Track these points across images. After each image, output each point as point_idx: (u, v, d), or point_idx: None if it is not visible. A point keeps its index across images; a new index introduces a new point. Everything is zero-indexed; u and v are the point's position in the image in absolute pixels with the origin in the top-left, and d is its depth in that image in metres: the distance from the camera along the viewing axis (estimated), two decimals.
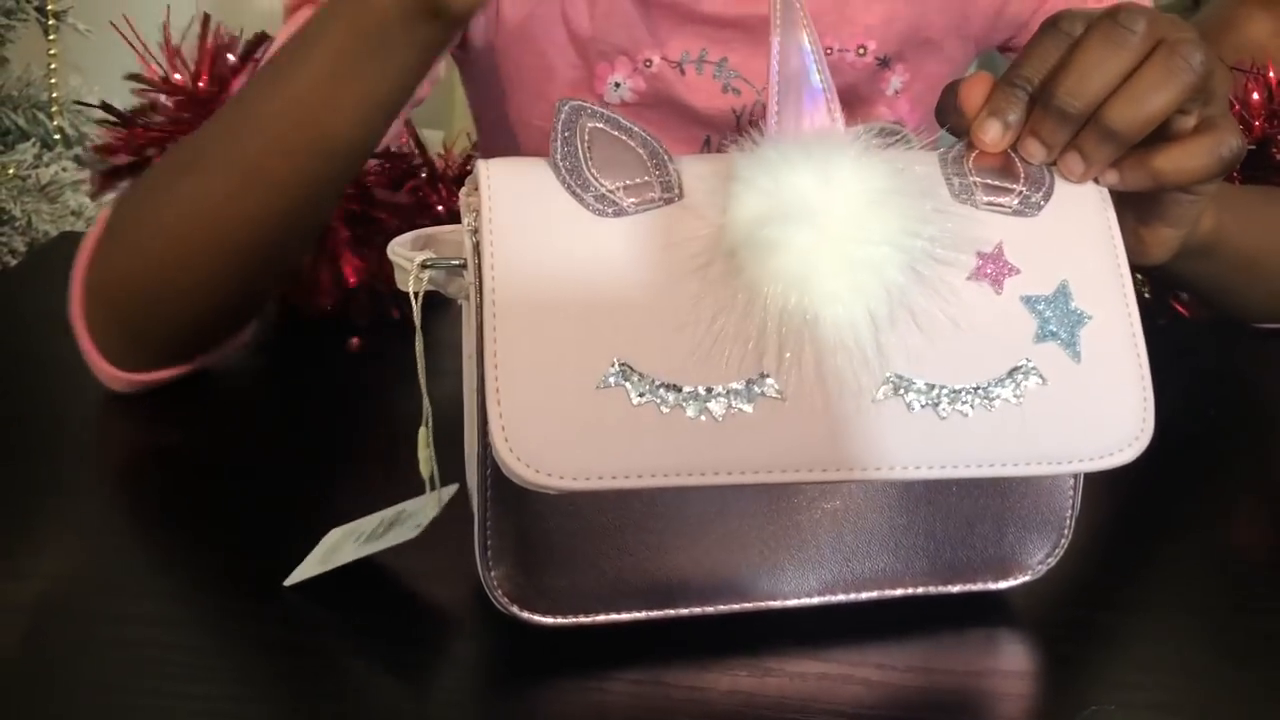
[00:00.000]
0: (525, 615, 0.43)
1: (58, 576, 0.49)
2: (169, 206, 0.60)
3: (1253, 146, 0.74)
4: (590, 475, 0.38)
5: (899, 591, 0.47)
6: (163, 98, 0.68)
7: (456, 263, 0.42)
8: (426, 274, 0.42)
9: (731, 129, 0.79)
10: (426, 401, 0.44)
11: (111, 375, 0.62)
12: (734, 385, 0.39)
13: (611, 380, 0.39)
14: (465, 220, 0.41)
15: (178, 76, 0.69)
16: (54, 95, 1.58)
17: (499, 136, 0.83)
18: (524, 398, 0.38)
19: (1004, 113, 0.43)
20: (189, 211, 0.59)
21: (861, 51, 0.79)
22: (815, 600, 0.46)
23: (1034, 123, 0.43)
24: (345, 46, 0.55)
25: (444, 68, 0.79)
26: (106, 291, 0.61)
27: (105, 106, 0.67)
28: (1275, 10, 1.26)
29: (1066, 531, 0.47)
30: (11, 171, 1.46)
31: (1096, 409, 0.42)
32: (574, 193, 0.40)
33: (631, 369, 0.39)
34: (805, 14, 0.42)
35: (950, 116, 0.45)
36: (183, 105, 0.68)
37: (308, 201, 0.60)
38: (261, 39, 0.69)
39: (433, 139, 0.87)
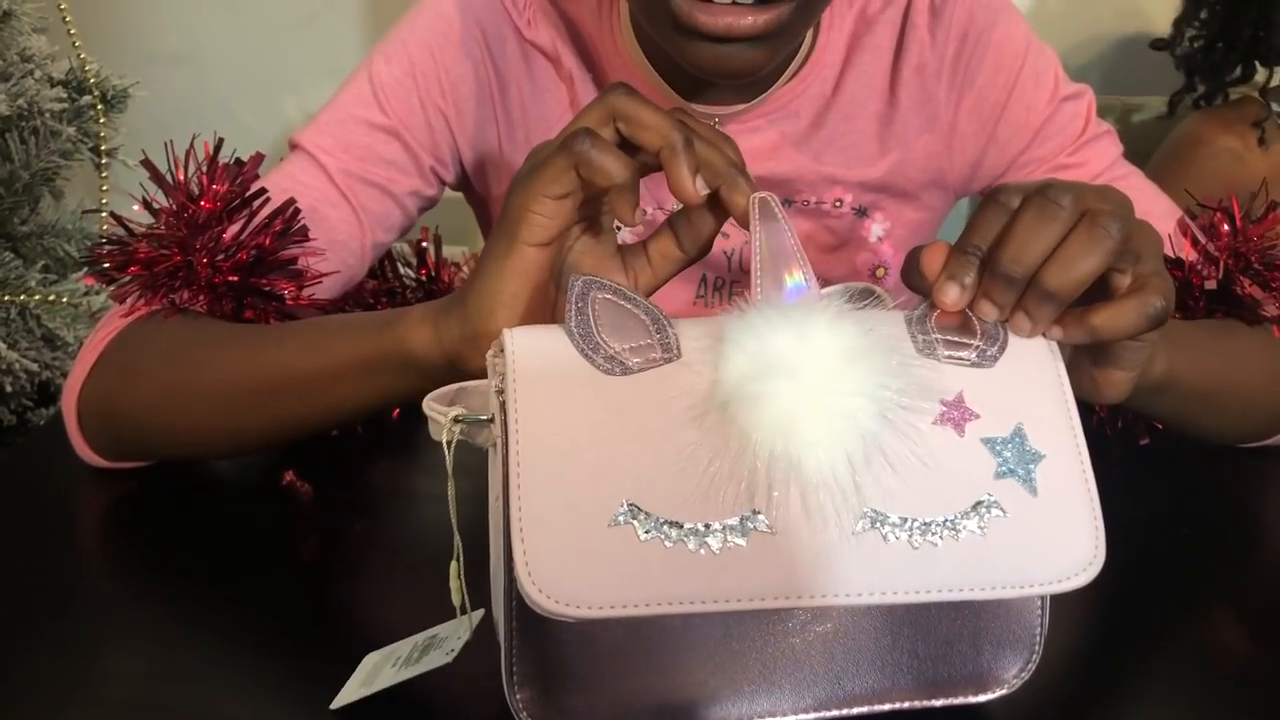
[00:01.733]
0: None
1: (108, 701, 0.53)
2: (158, 388, 0.67)
3: (1212, 286, 0.76)
4: (604, 605, 0.42)
5: (886, 706, 0.50)
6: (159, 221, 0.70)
7: (485, 418, 0.47)
8: (458, 428, 0.48)
9: (724, 268, 0.85)
10: (458, 539, 0.48)
11: (91, 459, 0.71)
12: (729, 521, 0.44)
13: (621, 519, 0.43)
14: (492, 381, 0.46)
15: (167, 203, 0.70)
16: (104, 228, 1.66)
17: None
18: (545, 538, 0.43)
19: (959, 277, 0.48)
20: (177, 402, 0.67)
21: (838, 204, 0.84)
22: (810, 716, 0.50)
23: (985, 287, 0.48)
24: (365, 360, 0.61)
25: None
26: (97, 412, 0.69)
27: (115, 216, 0.71)
28: (1236, 130, 1.33)
29: (1037, 648, 0.51)
30: (65, 300, 1.53)
31: (1053, 538, 0.46)
32: (586, 355, 0.45)
33: (639, 509, 0.43)
34: (781, 209, 0.48)
35: (914, 279, 0.50)
36: (180, 224, 0.69)
37: (287, 431, 0.67)
38: (258, 194, 0.70)
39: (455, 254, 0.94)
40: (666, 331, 0.46)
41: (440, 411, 0.48)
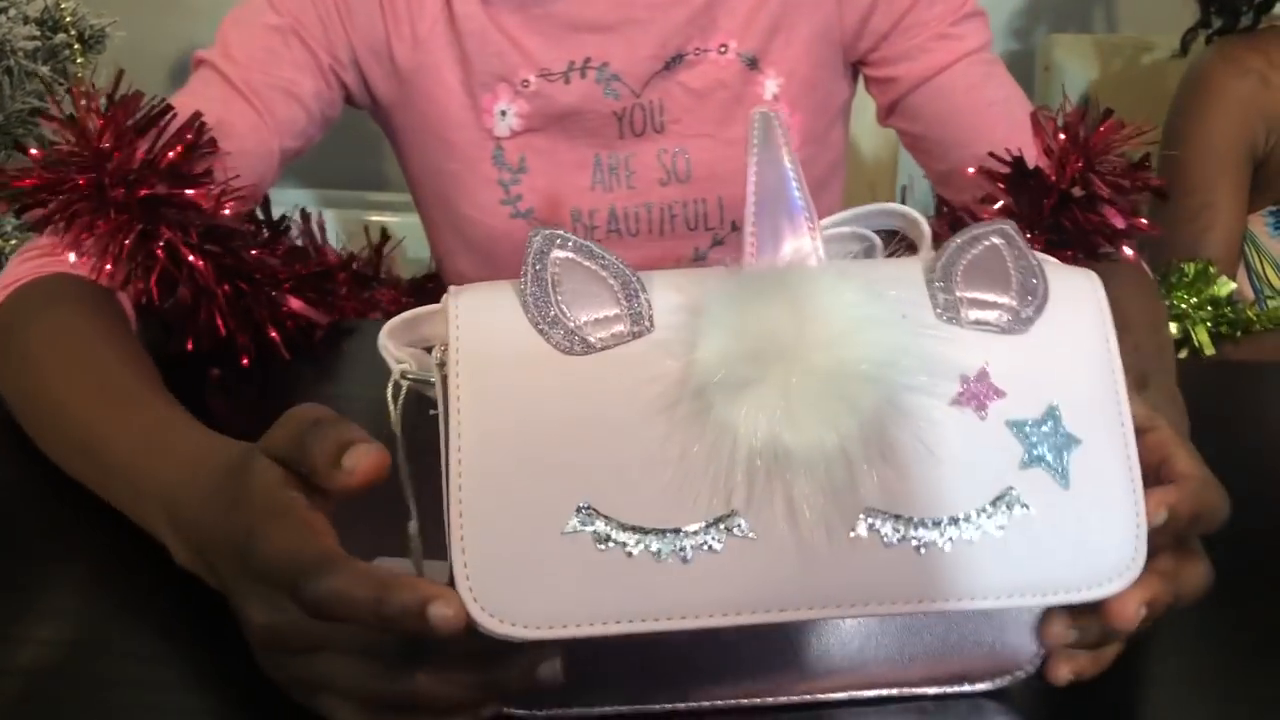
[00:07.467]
0: (505, 710, 0.40)
1: (51, 641, 0.47)
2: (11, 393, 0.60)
3: (1080, 193, 0.70)
4: (555, 624, 0.34)
5: (869, 693, 0.42)
6: (62, 137, 0.64)
7: (432, 379, 0.38)
8: (405, 383, 0.39)
9: (615, 137, 0.77)
10: (414, 507, 0.41)
11: None
12: (702, 525, 0.35)
13: (577, 524, 0.35)
14: (435, 350, 0.37)
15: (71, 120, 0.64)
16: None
17: (425, 182, 0.82)
18: (489, 548, 0.34)
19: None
20: (11, 401, 0.59)
21: (723, 49, 0.77)
22: (785, 699, 0.42)
23: None
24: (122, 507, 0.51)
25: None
26: None
27: (19, 146, 0.68)
28: (1262, 50, 1.15)
29: None
30: None
31: (1085, 538, 0.36)
32: (541, 330, 0.36)
33: (597, 512, 0.35)
34: (784, 130, 0.38)
35: None
36: (82, 147, 0.63)
37: None
38: (165, 110, 0.65)
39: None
40: (638, 298, 0.37)
41: (396, 357, 0.39)
